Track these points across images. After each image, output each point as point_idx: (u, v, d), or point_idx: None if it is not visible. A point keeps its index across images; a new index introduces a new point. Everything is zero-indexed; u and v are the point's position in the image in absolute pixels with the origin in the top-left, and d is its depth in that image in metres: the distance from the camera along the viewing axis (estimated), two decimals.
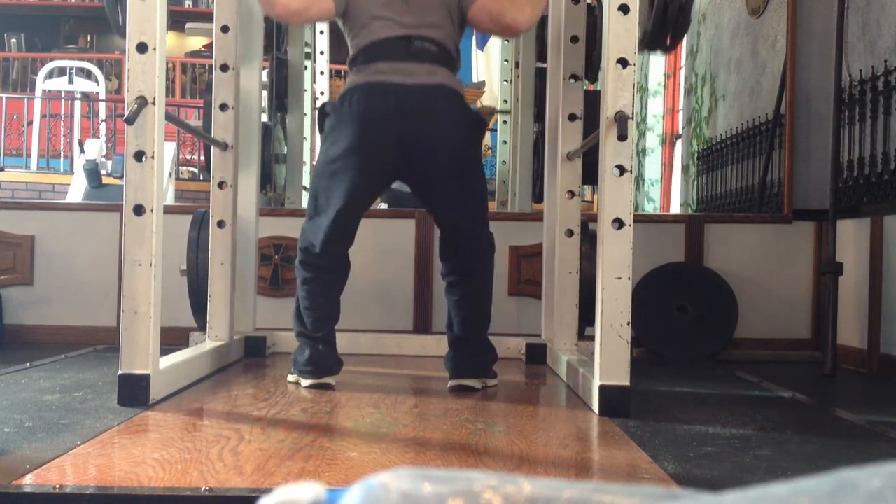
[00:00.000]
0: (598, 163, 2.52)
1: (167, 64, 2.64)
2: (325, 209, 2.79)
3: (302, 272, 2.86)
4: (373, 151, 2.73)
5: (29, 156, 8.58)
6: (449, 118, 2.76)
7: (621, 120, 2.43)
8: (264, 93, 4.26)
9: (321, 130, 2.87)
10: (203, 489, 1.56)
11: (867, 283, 3.71)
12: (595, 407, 2.44)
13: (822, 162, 4.07)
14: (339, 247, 2.84)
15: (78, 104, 8.69)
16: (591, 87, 3.85)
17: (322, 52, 6.16)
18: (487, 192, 2.93)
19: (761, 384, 3.22)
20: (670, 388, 3.11)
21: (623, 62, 2.45)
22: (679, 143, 7.25)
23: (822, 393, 3.29)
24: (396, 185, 3.18)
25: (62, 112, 8.77)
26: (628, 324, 2.43)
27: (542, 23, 4.43)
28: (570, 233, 3.38)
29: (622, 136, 2.43)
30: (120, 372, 2.42)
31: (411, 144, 2.73)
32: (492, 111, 5.63)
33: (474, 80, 8.24)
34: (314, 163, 6.18)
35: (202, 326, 3.43)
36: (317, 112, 2.86)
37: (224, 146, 3.36)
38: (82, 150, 6.95)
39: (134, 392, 2.41)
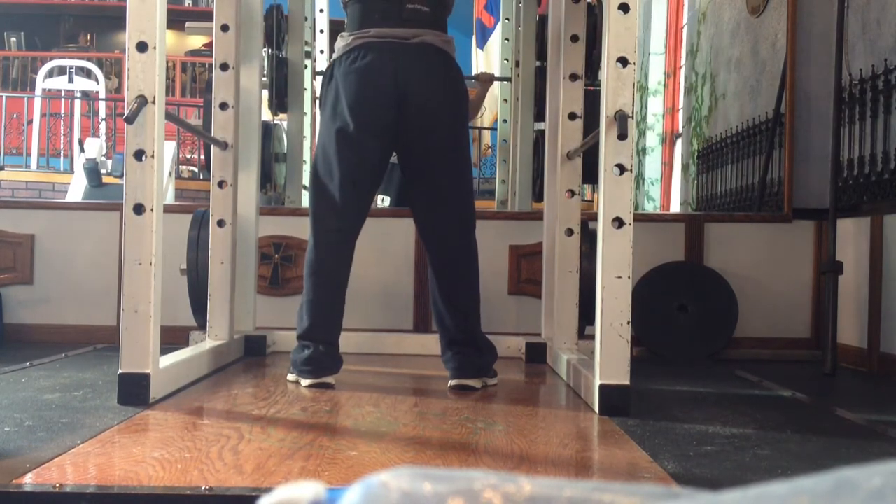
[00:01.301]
0: (598, 162, 2.52)
1: (167, 63, 2.64)
2: (331, 177, 2.82)
3: (310, 254, 2.85)
4: (374, 106, 2.79)
5: (29, 155, 8.58)
6: (439, 73, 2.83)
7: (621, 119, 2.43)
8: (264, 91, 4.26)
9: (321, 101, 2.90)
10: (203, 488, 1.56)
11: (867, 282, 3.71)
12: (595, 406, 2.44)
13: (822, 161, 4.06)
14: (350, 221, 2.86)
15: (78, 103, 8.69)
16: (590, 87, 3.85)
17: (322, 52, 6.15)
18: (473, 198, 2.94)
19: (761, 383, 3.22)
20: (670, 388, 3.11)
21: (623, 61, 2.46)
22: (679, 142, 7.25)
23: (821, 392, 3.29)
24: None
25: (62, 111, 8.77)
26: (628, 323, 2.43)
27: (543, 22, 4.43)
28: (570, 232, 3.38)
29: (622, 135, 2.43)
30: (120, 371, 2.42)
31: (406, 98, 2.78)
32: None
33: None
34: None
35: (202, 325, 3.43)
36: (321, 78, 2.91)
37: (224, 145, 3.35)
38: (82, 149, 6.95)
39: (134, 391, 2.41)
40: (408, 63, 2.78)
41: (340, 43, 2.88)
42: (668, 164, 7.70)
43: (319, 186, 2.84)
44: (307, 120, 5.33)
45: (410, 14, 2.81)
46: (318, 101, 3.02)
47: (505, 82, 5.55)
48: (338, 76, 2.81)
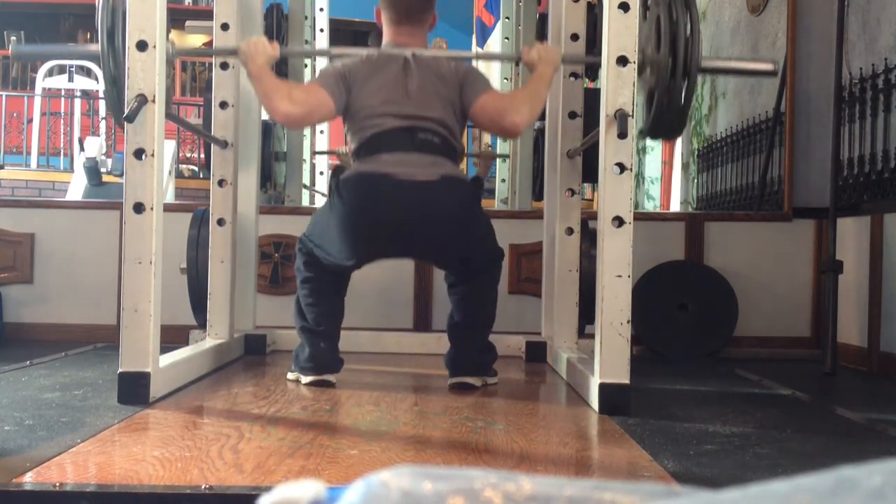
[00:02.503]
0: (598, 161, 2.52)
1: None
2: (326, 252, 2.81)
3: (303, 272, 2.87)
4: (370, 242, 2.77)
5: (29, 154, 8.58)
6: (452, 212, 2.73)
7: (621, 118, 2.43)
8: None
9: (329, 196, 2.84)
10: (203, 487, 1.56)
11: (867, 281, 3.71)
12: (595, 405, 2.44)
13: (823, 160, 4.06)
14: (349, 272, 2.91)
15: (78, 102, 8.69)
16: (590, 86, 3.85)
17: None
18: (491, 224, 2.93)
19: (761, 382, 3.22)
20: (670, 386, 3.11)
21: (623, 60, 2.45)
22: (679, 141, 7.24)
23: (821, 391, 3.29)
24: None
25: (62, 110, 8.76)
26: (628, 322, 2.43)
27: (543, 21, 4.43)
28: (570, 231, 3.38)
29: (622, 134, 2.43)
30: (120, 370, 2.42)
31: (412, 238, 2.75)
32: (492, 154, 5.60)
33: None
34: (316, 164, 6.20)
35: (202, 324, 3.43)
36: (331, 174, 2.85)
37: (224, 144, 3.35)
38: (82, 148, 6.95)
39: (134, 390, 2.41)
40: (417, 202, 2.67)
41: (349, 170, 2.77)
42: (668, 163, 7.70)
43: (316, 239, 2.84)
44: None
45: (421, 143, 2.73)
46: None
47: (505, 80, 5.56)
48: (345, 199, 2.71)
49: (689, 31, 2.58)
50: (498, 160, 5.67)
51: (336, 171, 2.84)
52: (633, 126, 2.47)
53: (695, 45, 2.56)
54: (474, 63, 4.09)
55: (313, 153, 5.75)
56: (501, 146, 5.71)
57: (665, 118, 2.64)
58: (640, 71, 2.52)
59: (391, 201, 2.67)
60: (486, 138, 8.86)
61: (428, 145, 2.73)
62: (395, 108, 2.74)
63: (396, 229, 2.71)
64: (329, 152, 5.99)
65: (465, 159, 5.32)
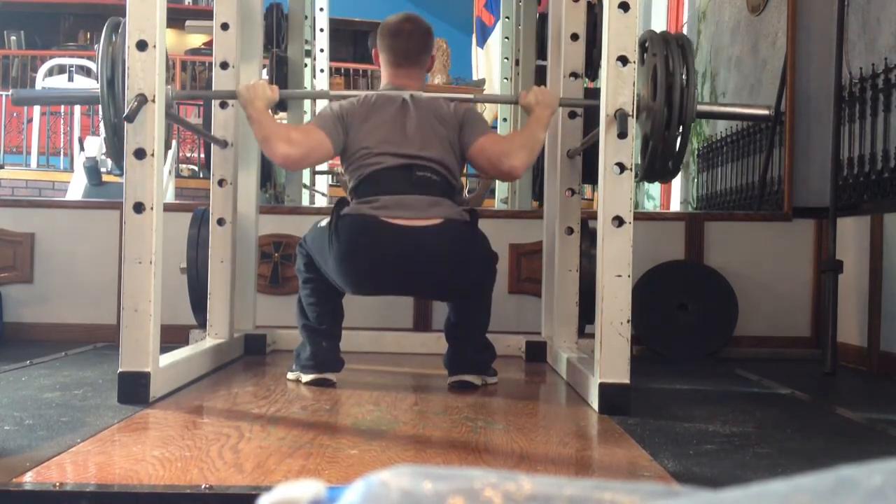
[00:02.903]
0: (598, 160, 2.52)
1: (167, 61, 2.65)
2: (326, 272, 2.82)
3: (304, 273, 2.88)
4: (363, 285, 2.78)
5: (29, 153, 8.57)
6: (450, 256, 2.71)
7: (621, 118, 2.43)
8: None
9: (329, 228, 2.79)
10: (203, 487, 1.56)
11: (867, 280, 3.71)
12: (595, 405, 2.45)
13: (823, 160, 4.06)
14: None
15: None
16: (591, 85, 3.85)
17: (322, 50, 6.15)
18: (487, 240, 2.91)
19: (761, 382, 3.22)
20: (670, 386, 3.11)
21: (623, 60, 2.45)
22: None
23: (821, 391, 3.29)
24: None
25: (62, 110, 8.76)
26: (628, 321, 2.43)
27: (543, 21, 4.43)
28: (570, 231, 3.38)
29: (622, 134, 2.43)
30: (120, 369, 2.43)
31: (409, 281, 2.76)
32: (489, 183, 5.55)
33: (474, 77, 8.23)
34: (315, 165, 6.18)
35: (202, 324, 3.43)
36: (334, 206, 2.83)
37: (224, 144, 3.35)
38: (82, 148, 6.94)
39: (134, 390, 2.41)
40: (413, 250, 2.65)
41: (348, 209, 2.73)
42: None
43: (314, 253, 2.84)
44: (307, 118, 5.33)
45: (420, 181, 2.71)
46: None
47: (505, 80, 5.55)
48: (341, 238, 2.69)
49: (685, 82, 2.61)
50: None
51: (338, 205, 2.80)
52: (633, 126, 2.47)
53: (690, 96, 2.59)
54: (475, 101, 4.09)
55: (313, 173, 5.69)
56: (501, 127, 5.70)
57: (659, 164, 2.68)
58: (637, 116, 2.53)
59: (389, 247, 2.66)
60: None
61: (427, 183, 2.72)
62: (392, 147, 2.74)
63: (395, 274, 2.71)
64: (329, 172, 5.98)
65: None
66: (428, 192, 2.71)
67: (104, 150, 7.14)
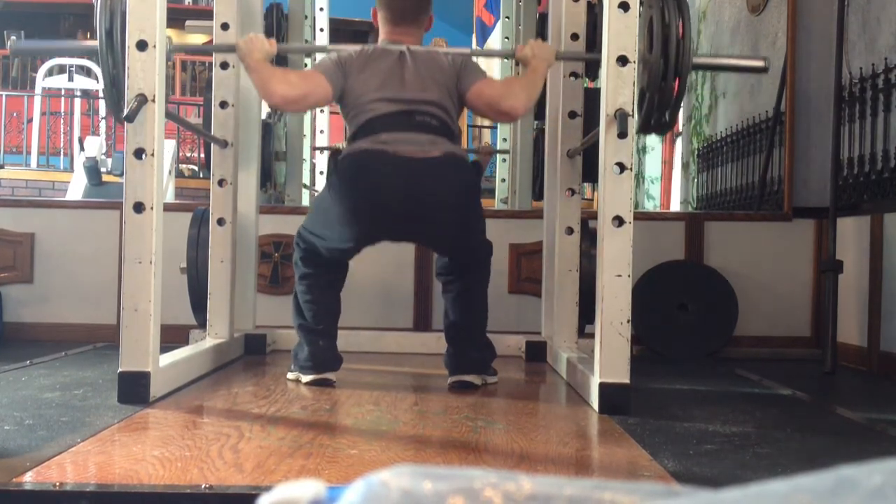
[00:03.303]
0: (599, 160, 2.52)
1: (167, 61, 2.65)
2: (325, 238, 2.81)
3: (301, 268, 2.87)
4: (370, 221, 2.75)
5: (29, 153, 8.58)
6: (452, 190, 2.73)
7: (621, 117, 2.43)
8: None
9: (328, 176, 2.83)
10: (203, 487, 1.56)
11: (867, 280, 3.71)
12: (595, 404, 2.44)
13: (823, 160, 4.06)
14: (346, 259, 2.90)
15: (78, 102, 8.69)
16: (591, 85, 3.85)
17: None
18: (483, 212, 2.93)
19: (761, 382, 3.22)
20: (670, 386, 3.11)
21: (623, 60, 2.45)
22: (679, 140, 7.25)
23: (821, 391, 3.29)
24: None
25: (62, 110, 8.76)
26: (628, 321, 2.43)
27: (543, 21, 4.43)
28: (570, 230, 3.38)
29: (622, 134, 2.43)
30: (120, 369, 2.43)
31: (411, 218, 2.74)
32: (490, 151, 5.60)
33: None
34: (316, 163, 6.20)
35: (202, 324, 3.43)
36: (329, 156, 2.84)
37: (224, 144, 3.35)
38: (82, 148, 6.95)
39: (134, 389, 2.41)
40: (417, 179, 2.67)
41: (348, 148, 2.76)
42: (668, 163, 7.70)
43: (316, 228, 2.84)
44: (307, 118, 5.34)
45: (419, 124, 2.73)
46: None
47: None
48: (344, 176, 2.71)
49: (680, 33, 2.60)
50: (498, 159, 5.67)
51: (335, 153, 2.84)
52: (634, 125, 2.47)
53: (686, 48, 2.58)
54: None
55: (313, 149, 5.74)
56: (501, 145, 5.70)
57: (656, 116, 2.67)
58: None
59: (391, 176, 2.67)
60: (486, 137, 8.86)
61: (426, 126, 2.74)
62: (391, 93, 2.75)
63: (397, 205, 2.69)
64: (329, 148, 5.99)
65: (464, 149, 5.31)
66: (428, 133, 2.73)
67: (104, 150, 7.15)
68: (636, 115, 2.64)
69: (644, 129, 2.76)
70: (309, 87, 2.74)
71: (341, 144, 3.21)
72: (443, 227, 2.78)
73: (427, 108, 2.75)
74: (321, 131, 6.22)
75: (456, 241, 2.85)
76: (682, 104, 2.83)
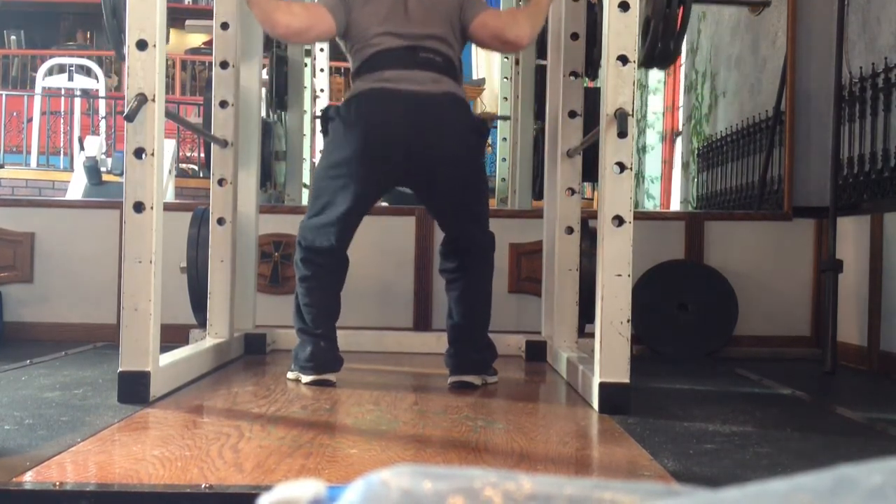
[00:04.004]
0: (599, 160, 2.52)
1: (167, 61, 2.64)
2: (326, 211, 2.79)
3: (301, 269, 2.86)
4: (377, 159, 2.73)
5: (29, 153, 8.57)
6: (455, 128, 2.76)
7: (621, 117, 2.43)
8: (263, 90, 4.26)
9: (324, 134, 2.86)
10: (203, 486, 1.56)
11: (867, 280, 3.71)
12: (595, 404, 2.44)
13: (823, 159, 4.06)
14: (340, 247, 2.85)
15: (78, 101, 8.68)
16: (591, 85, 3.85)
17: (322, 49, 6.15)
18: (489, 196, 2.94)
19: (761, 381, 3.22)
20: (670, 386, 3.11)
21: (623, 59, 2.45)
22: (679, 140, 7.25)
23: (821, 390, 3.29)
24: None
25: (62, 109, 8.76)
26: (628, 321, 2.43)
27: None
28: (570, 230, 3.38)
29: (622, 134, 2.43)
30: (120, 369, 2.42)
31: (417, 153, 2.72)
32: (492, 117, 5.63)
33: (474, 77, 8.23)
34: (316, 162, 6.20)
35: (202, 324, 3.43)
36: (319, 115, 2.84)
37: (224, 143, 3.35)
38: (82, 148, 6.94)
39: (134, 389, 2.41)
40: (422, 114, 2.69)
41: (351, 90, 2.78)
42: (668, 163, 7.70)
43: (317, 207, 2.82)
44: (307, 118, 5.33)
45: (423, 61, 2.74)
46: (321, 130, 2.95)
47: (504, 80, 5.56)
48: (348, 118, 2.72)
49: None
50: (498, 159, 5.67)
51: (326, 108, 2.85)
52: (634, 125, 2.47)
53: None
54: None
55: (313, 152, 5.73)
56: (501, 144, 5.70)
57: (661, 45, 2.66)
58: None
59: (396, 113, 2.69)
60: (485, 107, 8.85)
61: (430, 63, 2.75)
62: (394, 27, 2.77)
63: (401, 138, 2.69)
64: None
65: None
66: (430, 70, 2.74)
67: (104, 149, 7.15)
68: (639, 47, 2.63)
69: (647, 61, 2.76)
70: (313, 20, 2.76)
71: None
72: (446, 167, 2.75)
73: (431, 43, 2.76)
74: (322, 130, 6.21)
75: (460, 207, 2.83)
76: (685, 35, 2.82)
